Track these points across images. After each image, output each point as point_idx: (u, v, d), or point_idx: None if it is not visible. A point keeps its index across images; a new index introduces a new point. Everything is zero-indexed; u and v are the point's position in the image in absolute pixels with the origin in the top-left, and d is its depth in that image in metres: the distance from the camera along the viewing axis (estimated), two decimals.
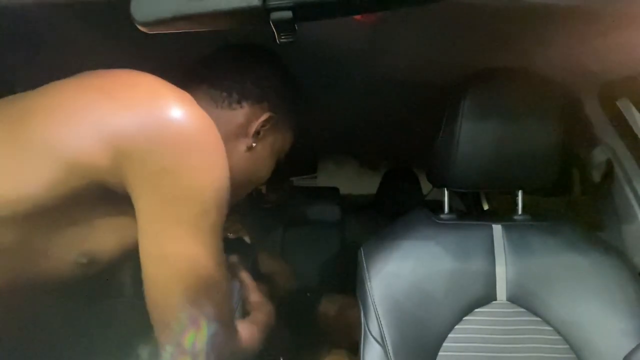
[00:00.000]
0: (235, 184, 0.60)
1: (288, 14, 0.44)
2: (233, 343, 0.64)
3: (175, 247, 0.53)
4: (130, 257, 0.58)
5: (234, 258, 0.80)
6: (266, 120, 0.70)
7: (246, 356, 0.69)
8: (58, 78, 0.59)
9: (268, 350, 0.75)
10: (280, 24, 0.45)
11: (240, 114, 0.68)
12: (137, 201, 0.53)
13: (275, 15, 0.44)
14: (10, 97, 0.57)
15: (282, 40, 0.47)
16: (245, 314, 0.78)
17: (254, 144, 0.70)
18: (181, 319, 0.55)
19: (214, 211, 0.55)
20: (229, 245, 0.80)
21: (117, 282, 0.78)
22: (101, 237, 0.57)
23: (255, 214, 1.73)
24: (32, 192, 0.49)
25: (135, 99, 0.54)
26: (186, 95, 0.59)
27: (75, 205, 0.52)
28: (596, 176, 0.96)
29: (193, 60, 0.72)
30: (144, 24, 0.46)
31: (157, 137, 0.52)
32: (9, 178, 0.50)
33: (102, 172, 0.51)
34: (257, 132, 0.70)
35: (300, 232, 1.68)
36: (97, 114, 0.52)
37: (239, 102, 0.68)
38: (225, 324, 0.62)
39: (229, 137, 0.66)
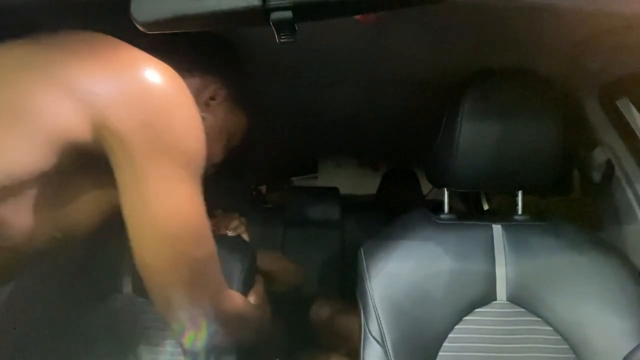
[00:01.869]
0: None
1: (288, 14, 0.44)
2: (226, 301, 0.64)
3: (161, 201, 0.53)
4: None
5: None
6: (215, 92, 0.72)
7: (241, 324, 0.69)
8: None
9: (265, 351, 0.75)
10: (280, 24, 0.45)
11: (190, 82, 0.68)
12: (117, 161, 0.52)
13: (275, 15, 0.44)
14: None
15: (282, 40, 0.47)
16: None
17: (204, 115, 0.69)
18: (173, 274, 0.55)
19: (196, 162, 0.55)
20: (227, 243, 0.80)
21: (115, 278, 0.78)
22: (75, 210, 0.56)
23: (255, 214, 1.73)
24: (8, 163, 0.48)
25: (104, 60, 0.53)
26: (147, 54, 0.58)
27: (51, 175, 0.50)
28: (596, 176, 0.96)
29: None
30: (144, 24, 0.46)
31: (132, 94, 0.52)
32: None
33: (83, 138, 0.50)
34: (206, 104, 0.71)
35: (300, 232, 1.68)
36: (70, 77, 0.51)
37: (189, 70, 0.69)
38: (216, 280, 0.62)
39: None
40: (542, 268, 0.81)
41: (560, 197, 1.16)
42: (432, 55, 0.82)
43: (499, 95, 0.82)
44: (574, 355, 0.77)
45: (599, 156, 0.95)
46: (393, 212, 1.13)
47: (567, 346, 0.78)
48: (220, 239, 0.63)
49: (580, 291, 0.80)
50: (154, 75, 0.53)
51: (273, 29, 0.46)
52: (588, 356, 0.76)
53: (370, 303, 0.79)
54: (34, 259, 0.57)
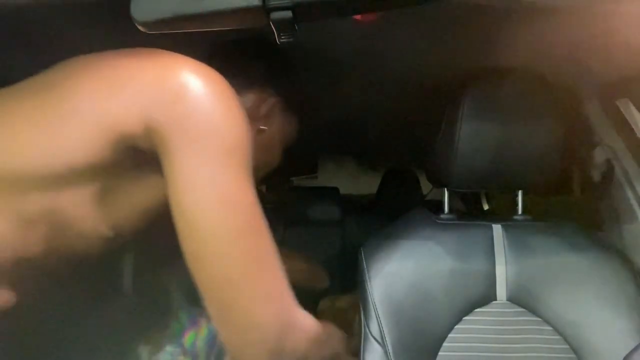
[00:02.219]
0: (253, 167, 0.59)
1: (288, 14, 0.44)
2: (294, 322, 0.57)
3: (207, 187, 0.52)
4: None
5: None
6: (272, 103, 0.74)
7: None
8: None
9: None
10: (281, 24, 0.45)
11: (248, 99, 0.72)
12: (163, 154, 0.53)
13: (275, 15, 0.44)
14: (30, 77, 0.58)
15: (282, 40, 0.47)
16: None
17: (264, 127, 0.74)
18: (225, 271, 0.52)
19: (240, 150, 0.55)
20: None
21: (115, 278, 0.78)
22: (127, 210, 0.58)
23: None
24: (68, 156, 0.51)
25: (148, 63, 0.57)
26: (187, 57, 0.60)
27: (106, 171, 0.53)
28: (596, 176, 0.96)
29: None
30: (144, 24, 0.46)
31: (171, 89, 0.53)
32: (43, 143, 0.51)
33: (134, 133, 0.53)
34: (265, 116, 0.74)
35: (300, 232, 1.68)
36: (121, 78, 0.55)
37: (247, 87, 0.71)
38: (280, 287, 0.56)
39: None
40: (542, 268, 0.82)
41: (560, 197, 1.16)
42: (431, 55, 0.82)
43: (499, 95, 0.82)
44: (574, 355, 0.77)
45: (599, 156, 0.95)
46: (393, 212, 1.13)
47: (567, 346, 0.78)
48: None
49: (580, 291, 0.80)
50: (192, 71, 0.55)
51: (273, 28, 0.46)
52: (588, 356, 0.76)
53: (370, 303, 0.79)
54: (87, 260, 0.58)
